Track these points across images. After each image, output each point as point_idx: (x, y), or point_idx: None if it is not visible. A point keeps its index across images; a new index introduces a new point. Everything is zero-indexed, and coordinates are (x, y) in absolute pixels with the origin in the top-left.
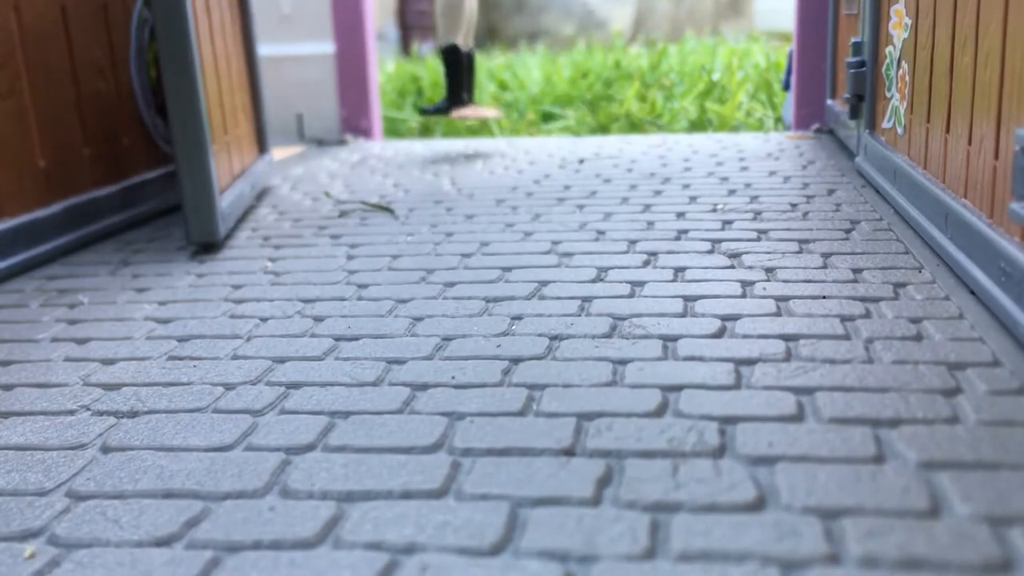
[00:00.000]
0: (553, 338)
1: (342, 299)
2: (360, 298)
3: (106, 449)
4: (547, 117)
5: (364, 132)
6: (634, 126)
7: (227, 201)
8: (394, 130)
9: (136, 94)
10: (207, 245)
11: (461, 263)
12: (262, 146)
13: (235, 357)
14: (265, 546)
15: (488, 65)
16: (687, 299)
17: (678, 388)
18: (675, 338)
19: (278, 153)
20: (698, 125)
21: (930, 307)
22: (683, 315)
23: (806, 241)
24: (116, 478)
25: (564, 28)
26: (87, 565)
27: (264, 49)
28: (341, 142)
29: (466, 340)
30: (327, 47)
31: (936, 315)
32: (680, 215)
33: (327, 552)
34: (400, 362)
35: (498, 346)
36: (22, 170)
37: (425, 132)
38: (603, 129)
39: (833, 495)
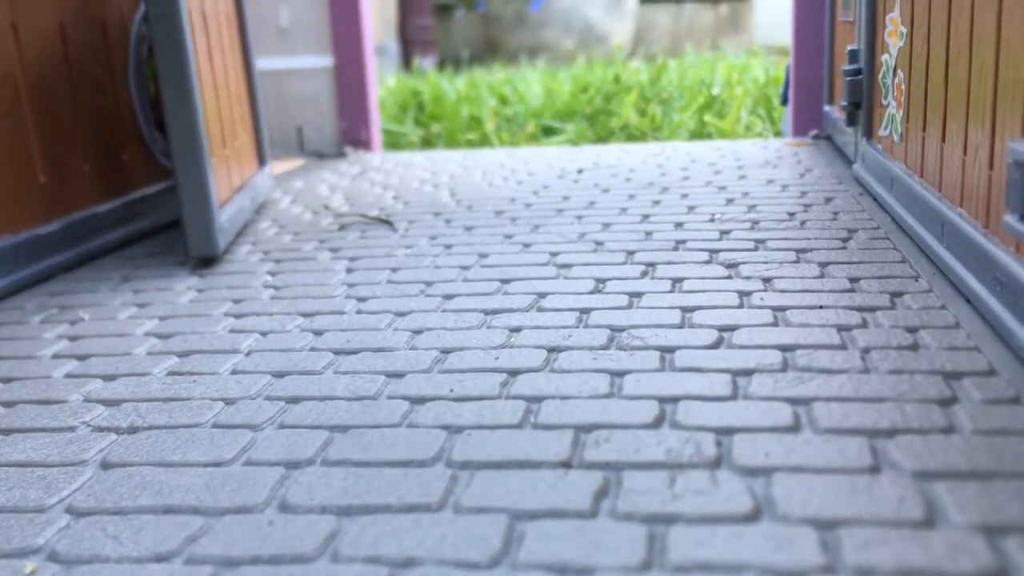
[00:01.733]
0: (551, 350)
1: (341, 312)
2: (359, 311)
3: (106, 465)
4: (547, 131)
5: (364, 145)
6: (632, 139)
7: (226, 215)
8: (394, 143)
9: (135, 109)
10: (206, 259)
11: (460, 275)
12: (261, 159)
13: (235, 372)
14: (264, 561)
15: (489, 79)
16: (685, 310)
17: (675, 399)
18: (673, 349)
19: (278, 166)
20: (698, 139)
21: (926, 316)
22: (681, 326)
23: (804, 250)
24: (116, 494)
25: (564, 43)
26: None
27: (263, 63)
28: (341, 155)
29: (465, 353)
30: (326, 60)
31: (932, 324)
32: (678, 225)
33: (326, 566)
34: (399, 375)
35: (496, 359)
36: (23, 187)
37: (425, 144)
38: (602, 142)
39: (829, 506)
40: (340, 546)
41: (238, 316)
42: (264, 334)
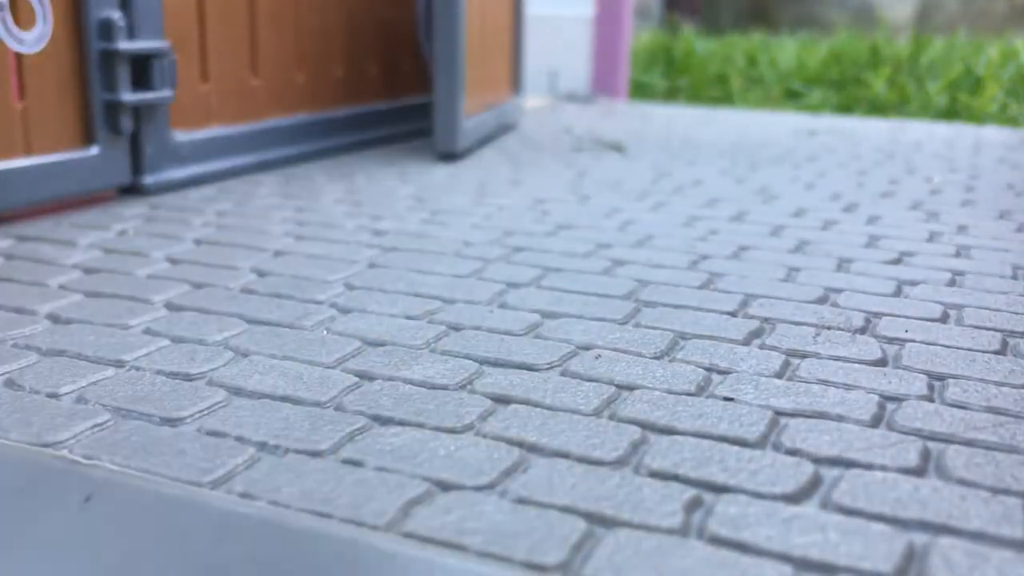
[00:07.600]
0: (743, 248)
1: (567, 202)
2: (583, 204)
3: (372, 265)
4: (792, 95)
5: (611, 92)
6: (877, 109)
7: (471, 123)
8: (640, 93)
9: (418, 26)
10: (447, 155)
11: (674, 192)
12: (515, 88)
13: (475, 227)
14: (484, 329)
15: (744, 44)
16: (873, 236)
17: (839, 291)
18: (851, 260)
19: (530, 103)
20: (948, 115)
21: None
22: (867, 246)
23: (1009, 211)
24: (379, 281)
25: (835, 19)
26: (356, 320)
27: (532, 9)
28: (588, 99)
29: (665, 238)
30: (587, 10)
31: None
32: (893, 181)
33: (530, 340)
34: (607, 246)
35: (693, 247)
36: (324, 77)
37: (670, 96)
38: (846, 109)
39: (941, 367)
40: (541, 331)
41: (481, 195)
42: (501, 208)
